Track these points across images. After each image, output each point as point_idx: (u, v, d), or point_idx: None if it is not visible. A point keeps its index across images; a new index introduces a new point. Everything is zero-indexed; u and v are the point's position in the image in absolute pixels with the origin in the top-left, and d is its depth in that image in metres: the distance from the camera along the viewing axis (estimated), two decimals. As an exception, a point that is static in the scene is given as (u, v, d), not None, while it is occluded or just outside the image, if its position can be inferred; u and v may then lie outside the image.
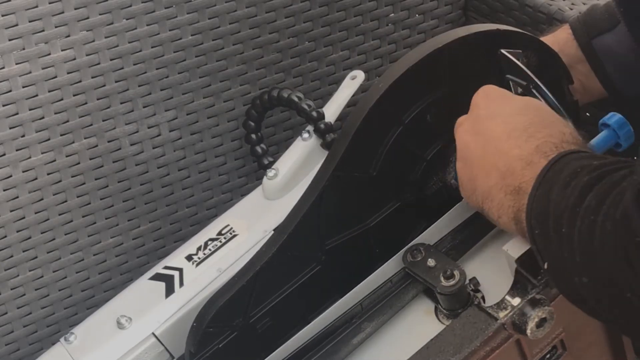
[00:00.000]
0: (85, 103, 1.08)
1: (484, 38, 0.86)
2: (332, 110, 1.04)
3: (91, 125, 1.09)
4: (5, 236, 1.08)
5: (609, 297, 0.59)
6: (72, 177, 1.10)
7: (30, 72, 1.03)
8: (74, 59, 1.05)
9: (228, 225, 0.97)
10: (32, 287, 1.13)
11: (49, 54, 1.03)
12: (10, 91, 1.02)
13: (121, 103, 1.10)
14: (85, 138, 1.09)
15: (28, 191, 1.08)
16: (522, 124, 0.74)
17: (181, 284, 0.93)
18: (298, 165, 1.00)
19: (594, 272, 0.60)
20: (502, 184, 0.73)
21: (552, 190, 0.65)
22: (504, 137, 0.74)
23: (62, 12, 1.02)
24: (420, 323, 0.86)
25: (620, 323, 0.62)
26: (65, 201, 1.11)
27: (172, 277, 0.94)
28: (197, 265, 0.94)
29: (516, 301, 0.79)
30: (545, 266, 0.66)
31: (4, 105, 1.03)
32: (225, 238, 0.96)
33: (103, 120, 1.10)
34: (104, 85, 1.08)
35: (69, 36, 1.04)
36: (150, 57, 1.10)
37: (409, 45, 1.29)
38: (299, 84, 1.23)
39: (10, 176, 1.06)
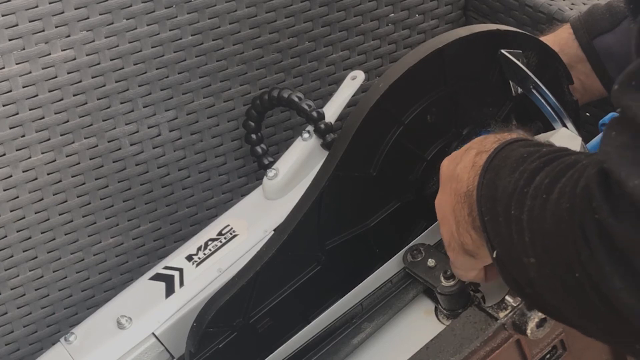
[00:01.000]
0: (85, 103, 1.08)
1: (484, 38, 0.86)
2: (332, 110, 1.04)
3: (91, 125, 1.09)
4: (5, 236, 1.08)
5: (558, 278, 0.58)
6: (72, 177, 1.10)
7: (30, 72, 1.03)
8: (74, 59, 1.05)
9: (228, 225, 0.97)
10: (32, 287, 1.13)
11: (49, 54, 1.03)
12: (10, 91, 1.02)
13: (121, 103, 1.10)
14: (85, 138, 1.09)
15: (28, 191, 1.08)
16: (461, 151, 0.75)
17: (181, 284, 0.93)
18: (298, 165, 1.00)
19: (544, 251, 0.58)
20: (455, 200, 0.73)
21: (499, 176, 0.65)
22: (452, 168, 0.75)
23: (62, 12, 1.02)
24: (420, 323, 0.86)
25: (562, 309, 0.61)
26: (65, 201, 1.11)
27: (172, 277, 0.94)
28: (197, 265, 0.94)
29: (516, 301, 0.79)
30: (495, 254, 0.65)
31: (4, 105, 1.03)
32: (225, 238, 0.96)
33: (103, 120, 1.10)
34: (104, 85, 1.08)
35: (69, 36, 1.04)
36: (150, 57, 1.10)
37: (409, 45, 1.29)
38: (299, 84, 1.23)
39: (10, 176, 1.06)
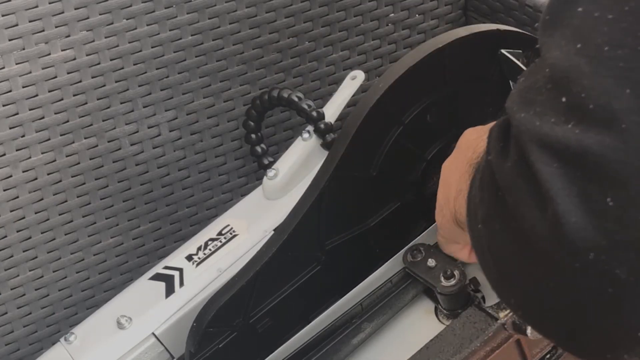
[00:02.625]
0: (85, 103, 1.08)
1: (484, 38, 0.86)
2: (332, 110, 1.04)
3: (91, 125, 1.09)
4: (5, 236, 1.08)
5: (471, 234, 0.59)
6: (72, 177, 1.10)
7: (30, 72, 1.03)
8: (74, 59, 1.05)
9: (228, 225, 0.97)
10: (32, 287, 1.13)
11: (49, 54, 1.03)
12: (10, 91, 1.02)
13: (121, 103, 1.10)
14: (85, 138, 1.09)
15: (28, 191, 1.08)
16: (487, 125, 0.76)
17: (181, 284, 0.93)
18: (298, 165, 1.00)
19: (481, 202, 0.59)
20: (464, 169, 0.73)
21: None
22: (473, 138, 0.75)
23: (62, 12, 1.02)
24: (420, 323, 0.86)
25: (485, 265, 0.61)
26: (65, 201, 1.11)
27: (172, 277, 0.94)
28: (197, 265, 0.94)
29: (516, 301, 0.79)
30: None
31: (4, 105, 1.03)
32: (225, 238, 0.96)
33: (103, 120, 1.10)
34: (104, 85, 1.08)
35: (69, 36, 1.04)
36: (150, 57, 1.10)
37: (409, 45, 1.29)
38: (299, 84, 1.23)
39: (10, 176, 1.06)
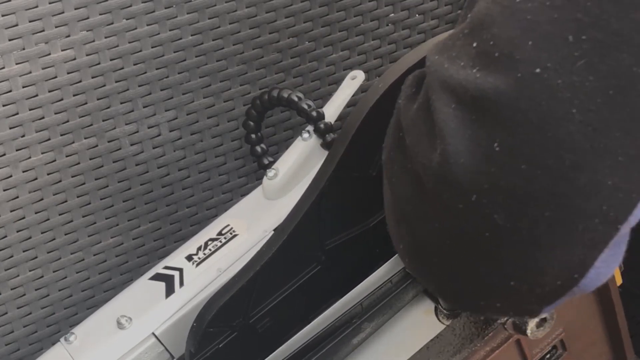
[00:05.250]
0: (85, 103, 1.08)
1: (484, 38, 0.86)
2: (332, 110, 1.04)
3: (91, 125, 1.09)
4: (5, 236, 1.08)
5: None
6: (72, 177, 1.10)
7: (30, 72, 1.03)
8: (74, 59, 1.05)
9: (228, 225, 0.97)
10: (32, 287, 1.13)
11: (49, 54, 1.03)
12: (10, 91, 1.02)
13: (121, 103, 1.10)
14: (85, 138, 1.09)
15: (28, 191, 1.08)
16: None
17: (181, 284, 0.93)
18: (298, 165, 1.00)
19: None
20: None
21: None
22: None
23: (62, 12, 1.02)
24: (420, 323, 0.86)
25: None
26: (65, 201, 1.11)
27: (172, 277, 0.94)
28: (197, 265, 0.94)
29: (516, 301, 0.79)
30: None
31: (4, 105, 1.03)
32: (225, 238, 0.96)
33: (103, 120, 1.10)
34: (104, 85, 1.08)
35: (69, 36, 1.04)
36: (150, 57, 1.10)
37: (409, 45, 1.29)
38: (299, 84, 1.23)
39: (10, 176, 1.06)
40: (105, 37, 1.06)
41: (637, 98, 0.47)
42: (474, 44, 0.50)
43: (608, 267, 0.51)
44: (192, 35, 1.11)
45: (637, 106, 0.47)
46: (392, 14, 1.26)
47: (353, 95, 1.05)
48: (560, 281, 0.52)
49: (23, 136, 1.05)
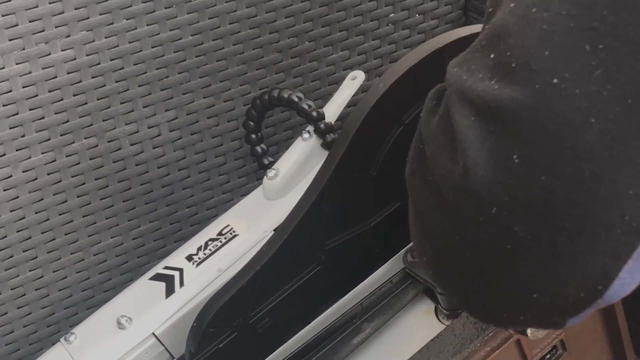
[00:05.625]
0: (85, 103, 1.08)
1: (484, 38, 0.86)
2: (332, 110, 1.04)
3: (91, 125, 1.09)
4: (5, 236, 1.08)
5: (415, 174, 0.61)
6: (72, 177, 1.10)
7: (30, 72, 1.03)
8: (74, 59, 1.05)
9: (228, 225, 0.97)
10: (32, 287, 1.13)
11: (49, 54, 1.03)
12: (10, 91, 1.02)
13: (121, 103, 1.10)
14: (85, 138, 1.09)
15: (28, 191, 1.08)
16: None
17: (181, 284, 0.93)
18: (298, 165, 1.00)
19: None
20: None
21: None
22: None
23: (62, 12, 1.02)
24: (420, 323, 0.86)
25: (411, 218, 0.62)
26: (65, 201, 1.11)
27: (172, 277, 0.94)
28: (198, 265, 0.94)
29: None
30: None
31: (4, 105, 1.03)
32: (225, 238, 0.96)
33: (103, 120, 1.10)
34: (104, 85, 1.08)
35: (69, 36, 1.04)
36: (150, 57, 1.10)
37: (409, 45, 1.29)
38: (299, 84, 1.23)
39: (10, 176, 1.06)
40: (105, 37, 1.06)
41: None
42: (491, 55, 0.50)
43: (633, 278, 0.51)
44: (192, 35, 1.11)
45: None
46: (392, 14, 1.26)
47: (353, 95, 1.05)
48: (583, 293, 0.51)
49: (23, 136, 1.05)
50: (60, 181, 1.10)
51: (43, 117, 1.06)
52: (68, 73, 1.05)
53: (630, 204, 0.48)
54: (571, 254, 0.50)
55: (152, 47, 1.10)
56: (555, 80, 0.47)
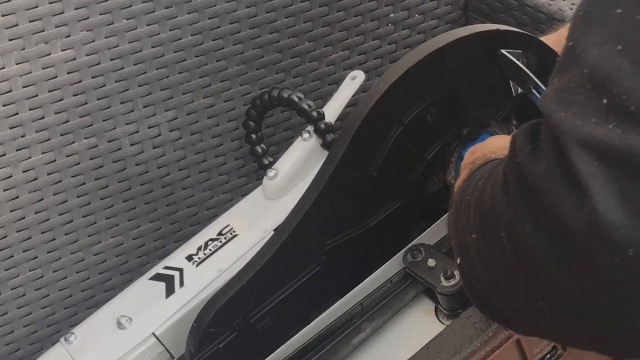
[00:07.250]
0: (85, 103, 1.08)
1: (484, 38, 0.86)
2: (332, 110, 1.04)
3: (91, 125, 1.09)
4: (5, 236, 1.08)
5: (487, 246, 0.59)
6: (72, 177, 1.10)
7: (30, 72, 1.03)
8: (74, 59, 1.05)
9: (228, 225, 0.97)
10: (32, 287, 1.13)
11: (49, 54, 1.03)
12: (10, 91, 1.02)
13: (121, 103, 1.10)
14: (85, 138, 1.09)
15: (28, 191, 1.08)
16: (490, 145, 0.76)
17: (181, 284, 0.93)
18: (298, 165, 1.00)
19: (480, 219, 0.59)
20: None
21: (465, 188, 0.66)
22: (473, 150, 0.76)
23: (62, 12, 1.02)
24: (420, 323, 0.86)
25: (488, 280, 0.60)
26: (65, 201, 1.11)
27: (172, 277, 0.94)
28: (198, 265, 0.94)
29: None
30: (458, 261, 0.65)
31: (4, 105, 1.03)
32: (225, 238, 0.96)
33: (103, 120, 1.10)
34: (104, 85, 1.08)
35: (69, 36, 1.04)
36: (150, 57, 1.10)
37: (409, 45, 1.29)
38: (299, 84, 1.23)
39: (10, 176, 1.06)
40: (105, 37, 1.06)
41: None
42: (604, 100, 0.50)
43: None
44: (192, 35, 1.11)
45: None
46: (392, 14, 1.26)
47: (353, 95, 1.05)
48: None
49: (23, 136, 1.05)
50: (60, 181, 1.10)
51: (43, 117, 1.06)
52: (68, 73, 1.05)
53: None
54: None
55: (152, 47, 1.09)
56: None
